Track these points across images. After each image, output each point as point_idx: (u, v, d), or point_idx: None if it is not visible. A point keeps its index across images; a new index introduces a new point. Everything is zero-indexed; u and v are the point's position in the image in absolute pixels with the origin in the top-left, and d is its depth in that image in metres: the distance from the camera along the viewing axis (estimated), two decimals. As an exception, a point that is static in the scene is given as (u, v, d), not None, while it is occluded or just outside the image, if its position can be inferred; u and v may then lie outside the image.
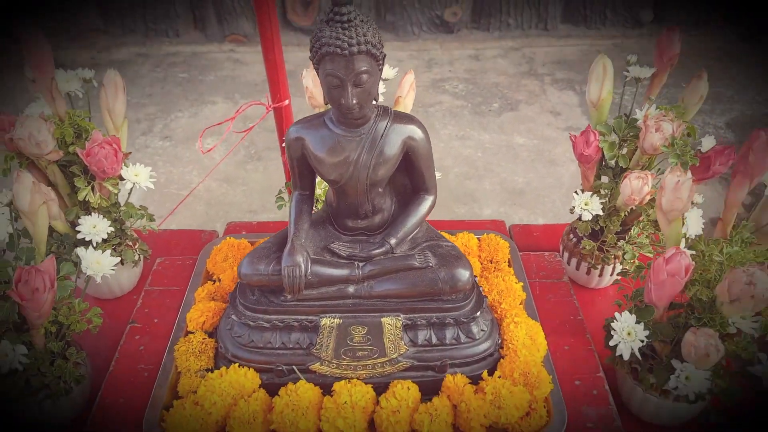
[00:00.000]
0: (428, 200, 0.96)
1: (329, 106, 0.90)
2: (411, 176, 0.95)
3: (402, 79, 1.18)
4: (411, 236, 0.95)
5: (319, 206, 1.08)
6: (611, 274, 1.32)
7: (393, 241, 0.93)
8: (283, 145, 1.31)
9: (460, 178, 2.84)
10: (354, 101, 0.81)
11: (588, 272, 1.32)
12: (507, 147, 3.05)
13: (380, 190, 0.92)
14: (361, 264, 0.92)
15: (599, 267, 1.30)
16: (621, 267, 1.27)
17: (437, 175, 1.04)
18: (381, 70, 0.85)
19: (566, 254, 1.36)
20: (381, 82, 1.14)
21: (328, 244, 0.94)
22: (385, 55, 0.83)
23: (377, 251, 0.93)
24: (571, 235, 1.35)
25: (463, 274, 0.90)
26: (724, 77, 3.64)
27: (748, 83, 3.58)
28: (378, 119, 0.88)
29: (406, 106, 1.21)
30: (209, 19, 4.00)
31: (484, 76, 3.73)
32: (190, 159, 2.92)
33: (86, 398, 1.07)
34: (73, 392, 1.02)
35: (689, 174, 0.98)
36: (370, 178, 0.90)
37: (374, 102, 0.88)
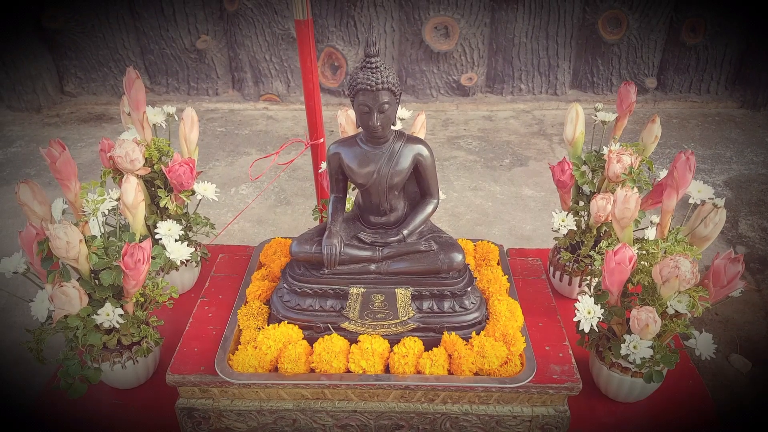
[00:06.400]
0: (432, 203, 1.26)
1: (359, 129, 1.22)
2: (419, 184, 1.25)
3: (415, 119, 1.50)
4: (419, 229, 1.25)
5: (349, 208, 1.39)
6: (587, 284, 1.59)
7: (405, 231, 1.22)
8: (320, 171, 1.64)
9: (471, 224, 3.07)
10: (378, 123, 1.13)
11: (569, 282, 1.59)
12: (516, 198, 3.27)
13: (396, 193, 1.23)
14: (380, 248, 1.22)
15: (578, 277, 1.57)
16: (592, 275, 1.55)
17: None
18: (398, 102, 1.17)
19: (551, 268, 1.63)
20: (398, 121, 1.46)
21: (356, 234, 1.24)
22: (401, 92, 1.15)
23: (393, 239, 1.22)
24: (556, 252, 1.63)
25: (458, 256, 1.19)
26: (723, 140, 3.87)
27: (746, 145, 3.82)
28: (395, 140, 1.20)
29: (418, 140, 1.52)
30: (246, 81, 4.33)
31: (497, 134, 4.00)
32: (225, 203, 3.20)
33: (155, 367, 1.35)
34: (149, 357, 1.31)
35: (635, 190, 1.26)
36: (389, 183, 1.20)
37: (392, 127, 1.20)
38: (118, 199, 1.29)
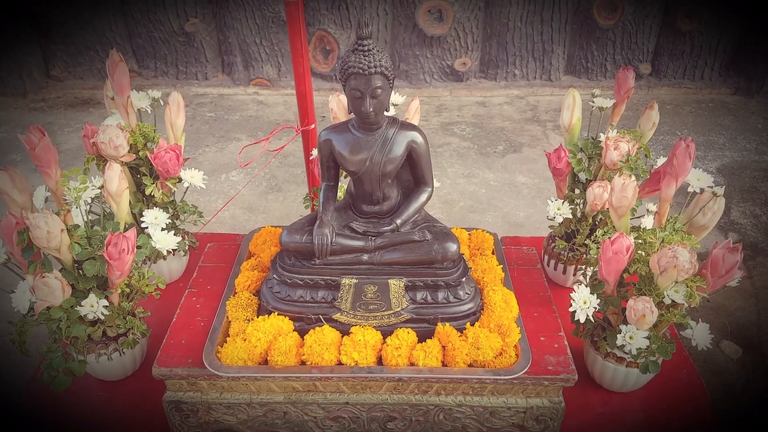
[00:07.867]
0: (426, 191, 1.23)
1: (351, 115, 1.18)
2: (413, 172, 1.22)
3: (409, 104, 1.47)
4: (413, 219, 1.22)
5: (341, 196, 1.36)
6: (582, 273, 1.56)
7: (399, 221, 1.19)
8: (311, 158, 1.61)
9: (464, 211, 3.06)
10: (371, 109, 1.09)
11: (564, 271, 1.57)
12: (510, 185, 3.26)
13: (389, 181, 1.20)
14: (373, 238, 1.19)
15: (572, 266, 1.55)
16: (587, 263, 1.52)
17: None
18: (392, 87, 1.13)
19: (546, 257, 1.61)
20: (391, 107, 1.42)
21: (348, 223, 1.21)
22: (395, 76, 1.12)
23: (386, 228, 1.19)
24: (551, 241, 1.60)
25: (452, 246, 1.16)
26: (717, 126, 3.87)
27: (739, 132, 3.81)
28: (388, 126, 1.17)
29: (412, 126, 1.49)
30: (236, 65, 4.28)
31: (490, 121, 3.98)
32: (215, 189, 3.18)
33: (143, 359, 1.32)
34: (135, 348, 1.28)
35: (633, 178, 1.24)
36: (381, 171, 1.17)
37: (386, 113, 1.16)
38: (101, 187, 1.25)
